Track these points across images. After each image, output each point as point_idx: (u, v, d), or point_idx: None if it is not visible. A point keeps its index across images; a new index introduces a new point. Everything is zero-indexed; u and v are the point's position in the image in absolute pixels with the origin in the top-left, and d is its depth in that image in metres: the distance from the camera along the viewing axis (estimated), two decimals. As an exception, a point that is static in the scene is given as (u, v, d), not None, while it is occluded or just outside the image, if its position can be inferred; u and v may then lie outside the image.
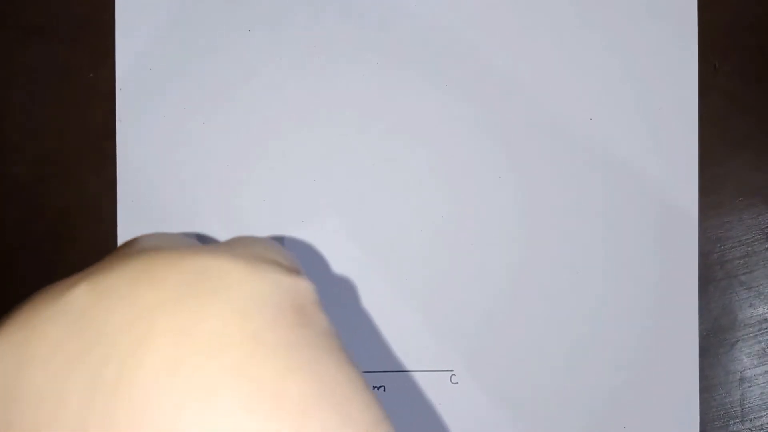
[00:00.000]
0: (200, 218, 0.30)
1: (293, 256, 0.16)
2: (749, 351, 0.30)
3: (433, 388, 0.30)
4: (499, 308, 0.30)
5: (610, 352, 0.30)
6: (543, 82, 0.30)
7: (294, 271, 0.15)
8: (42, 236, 0.31)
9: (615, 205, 0.30)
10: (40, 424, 0.12)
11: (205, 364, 0.12)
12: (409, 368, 0.30)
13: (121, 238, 0.31)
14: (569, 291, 0.30)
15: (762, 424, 0.30)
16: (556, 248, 0.30)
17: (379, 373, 0.30)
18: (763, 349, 0.30)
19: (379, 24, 0.30)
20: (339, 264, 0.30)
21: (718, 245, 0.30)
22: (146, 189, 0.31)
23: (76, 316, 0.13)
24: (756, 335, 0.30)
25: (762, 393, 0.30)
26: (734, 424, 0.30)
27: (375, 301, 0.30)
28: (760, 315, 0.30)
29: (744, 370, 0.30)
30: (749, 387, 0.30)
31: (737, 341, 0.30)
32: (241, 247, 0.15)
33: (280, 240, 0.30)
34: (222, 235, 0.30)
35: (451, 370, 0.30)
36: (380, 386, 0.30)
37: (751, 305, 0.30)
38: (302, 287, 0.14)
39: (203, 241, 0.30)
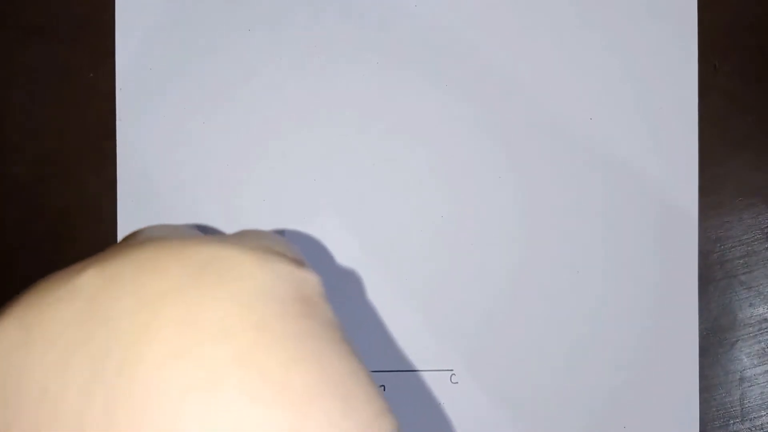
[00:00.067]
0: (200, 218, 0.30)
1: (298, 249, 0.16)
2: (749, 351, 0.30)
3: (433, 387, 0.30)
4: (499, 308, 0.30)
5: (610, 352, 0.30)
6: (543, 82, 0.30)
7: (300, 263, 0.15)
8: (42, 236, 0.31)
9: (615, 205, 0.30)
10: (42, 406, 0.12)
11: (209, 352, 0.12)
12: (409, 368, 0.30)
13: (121, 238, 0.31)
14: (569, 291, 0.30)
15: (762, 424, 0.30)
16: (556, 248, 0.30)
17: (379, 372, 0.30)
18: (763, 348, 0.30)
19: (379, 24, 0.30)
20: (339, 264, 0.30)
21: (718, 245, 0.30)
22: (146, 189, 0.31)
23: (83, 300, 0.13)
24: (756, 335, 0.30)
25: (762, 393, 0.30)
26: (734, 423, 0.30)
27: (375, 300, 0.30)
28: (759, 315, 0.30)
29: (744, 370, 0.30)
30: (749, 387, 0.30)
31: (737, 341, 0.30)
32: (248, 239, 0.15)
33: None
34: (222, 235, 0.30)
35: (451, 370, 0.30)
36: (380, 386, 0.30)
37: (751, 305, 0.30)
38: (308, 279, 0.14)
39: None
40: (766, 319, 0.30)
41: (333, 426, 0.12)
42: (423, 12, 0.30)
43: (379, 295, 0.30)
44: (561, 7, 0.30)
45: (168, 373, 0.12)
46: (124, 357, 0.12)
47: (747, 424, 0.30)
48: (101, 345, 0.12)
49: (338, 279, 0.30)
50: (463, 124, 0.30)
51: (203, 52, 0.31)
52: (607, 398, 0.30)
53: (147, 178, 0.31)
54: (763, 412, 0.30)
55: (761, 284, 0.30)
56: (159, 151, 0.31)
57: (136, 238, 0.15)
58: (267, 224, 0.30)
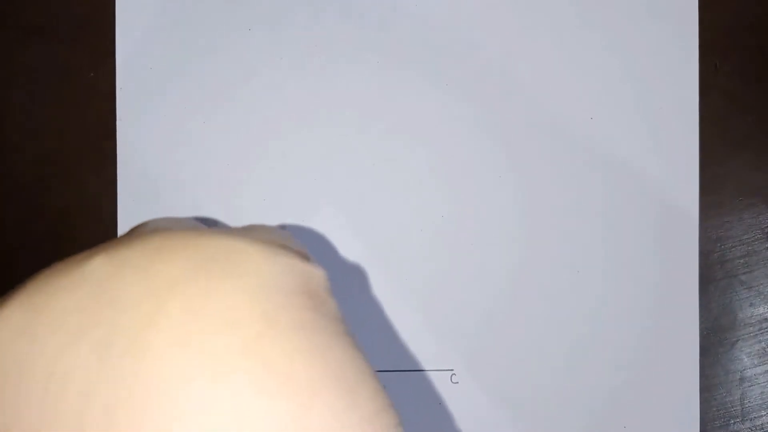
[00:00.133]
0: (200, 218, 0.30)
1: (303, 245, 0.16)
2: (749, 350, 0.30)
3: (433, 387, 0.30)
4: (499, 308, 0.30)
5: (610, 352, 0.30)
6: (543, 82, 0.30)
7: (306, 257, 0.15)
8: (42, 236, 0.31)
9: (615, 205, 0.30)
10: (46, 392, 0.12)
11: (214, 342, 0.12)
12: (409, 368, 0.30)
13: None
14: (569, 291, 0.30)
15: (762, 424, 0.30)
16: (556, 248, 0.30)
17: (379, 372, 0.30)
18: (764, 348, 0.30)
19: (379, 24, 0.30)
20: (338, 263, 0.30)
21: (719, 245, 0.30)
22: (146, 189, 0.31)
23: (90, 287, 0.13)
24: (756, 335, 0.30)
25: (762, 392, 0.30)
26: (734, 423, 0.30)
27: (375, 300, 0.30)
28: (760, 314, 0.30)
29: (744, 370, 0.30)
30: (749, 386, 0.30)
31: (737, 341, 0.30)
32: (255, 232, 0.15)
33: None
34: (222, 235, 0.30)
35: (452, 370, 0.30)
36: (380, 386, 0.30)
37: (751, 305, 0.30)
38: (314, 273, 0.15)
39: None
40: (766, 318, 0.30)
41: (336, 418, 0.12)
42: (423, 12, 0.30)
43: (380, 295, 0.30)
44: (561, 7, 0.30)
45: (173, 362, 0.12)
46: (129, 344, 0.12)
47: (747, 424, 0.30)
48: (107, 331, 0.12)
49: (338, 279, 0.30)
50: (463, 124, 0.30)
51: (203, 52, 0.31)
52: (607, 398, 0.30)
53: (147, 178, 0.31)
54: (763, 412, 0.30)
55: (762, 284, 0.30)
56: (159, 151, 0.31)
57: (142, 229, 0.15)
58: (267, 224, 0.30)
